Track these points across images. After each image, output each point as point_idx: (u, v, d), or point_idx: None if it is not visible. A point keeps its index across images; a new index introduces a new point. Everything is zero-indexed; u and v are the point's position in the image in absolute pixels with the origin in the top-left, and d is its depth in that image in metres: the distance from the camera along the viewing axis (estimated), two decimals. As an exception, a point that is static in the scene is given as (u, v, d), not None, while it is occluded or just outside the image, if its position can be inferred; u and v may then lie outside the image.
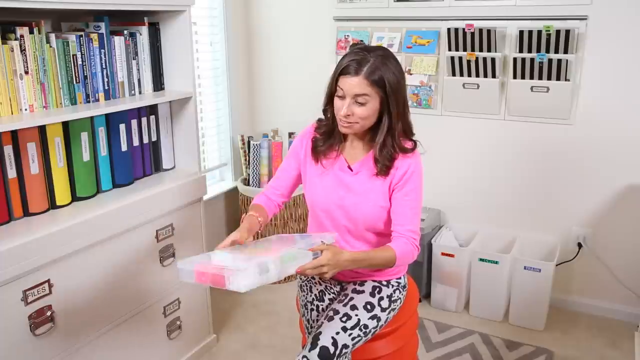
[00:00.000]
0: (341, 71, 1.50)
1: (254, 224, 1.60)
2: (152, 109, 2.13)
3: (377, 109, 1.53)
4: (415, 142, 1.62)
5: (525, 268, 2.54)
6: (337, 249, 1.44)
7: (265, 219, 1.68)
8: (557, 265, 2.60)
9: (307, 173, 1.71)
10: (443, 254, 2.69)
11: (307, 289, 1.75)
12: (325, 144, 1.65)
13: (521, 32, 2.48)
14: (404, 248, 1.54)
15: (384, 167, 1.57)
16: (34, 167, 1.70)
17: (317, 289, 1.73)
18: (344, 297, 1.63)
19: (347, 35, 2.95)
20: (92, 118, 1.87)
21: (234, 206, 3.30)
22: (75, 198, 1.87)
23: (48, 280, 1.65)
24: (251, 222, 1.59)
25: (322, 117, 1.68)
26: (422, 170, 1.62)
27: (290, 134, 3.05)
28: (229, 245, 1.46)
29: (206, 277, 1.30)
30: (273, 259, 1.30)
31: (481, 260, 2.61)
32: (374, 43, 2.87)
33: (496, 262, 2.58)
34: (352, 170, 1.63)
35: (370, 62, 1.48)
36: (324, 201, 1.65)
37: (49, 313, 1.66)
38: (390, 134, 1.56)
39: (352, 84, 1.48)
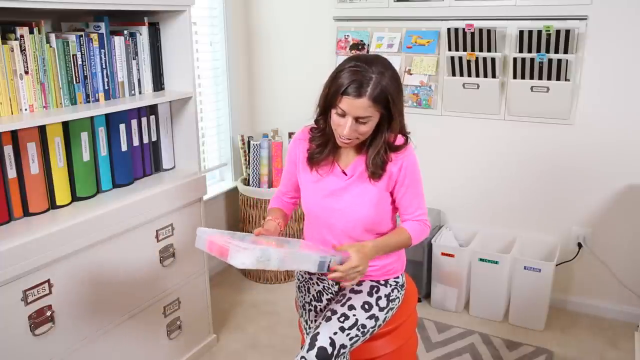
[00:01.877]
0: (343, 91, 1.45)
1: (274, 228, 1.67)
2: (152, 109, 2.13)
3: (376, 122, 1.52)
4: (406, 138, 1.61)
5: (525, 268, 2.54)
6: (358, 246, 1.51)
7: (285, 219, 1.77)
8: (557, 265, 2.60)
9: (302, 180, 1.71)
10: (443, 254, 2.69)
11: (304, 290, 1.75)
12: (322, 154, 1.64)
13: (521, 32, 2.48)
14: (415, 227, 1.62)
15: (374, 173, 1.57)
16: (34, 167, 1.70)
17: (315, 290, 1.73)
18: (341, 297, 1.63)
19: (347, 35, 2.95)
20: (92, 118, 1.87)
21: (234, 206, 3.30)
22: (75, 198, 1.87)
23: (48, 280, 1.65)
24: (270, 225, 1.68)
25: (314, 125, 1.65)
26: (416, 161, 1.61)
27: (290, 134, 3.05)
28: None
29: (215, 247, 1.40)
30: (278, 251, 1.39)
31: (481, 260, 2.61)
32: (373, 43, 2.87)
33: (496, 262, 2.58)
34: (346, 174, 1.63)
35: (373, 80, 1.44)
36: (319, 209, 1.65)
37: (49, 313, 1.66)
38: (384, 143, 1.56)
39: (356, 106, 1.44)
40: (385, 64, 1.49)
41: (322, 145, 1.63)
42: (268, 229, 1.65)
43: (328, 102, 1.51)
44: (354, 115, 1.46)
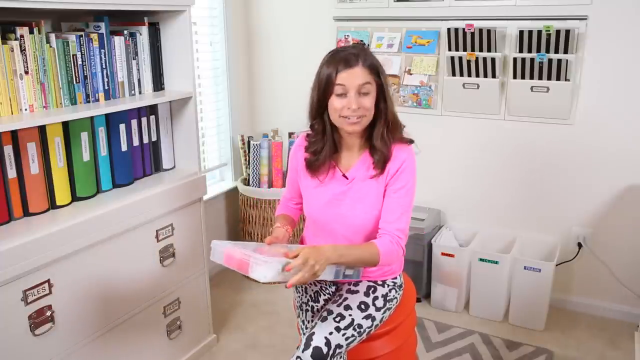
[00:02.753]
0: (337, 70, 1.50)
1: (282, 235, 1.68)
2: (152, 109, 2.14)
3: (375, 97, 1.55)
4: (410, 140, 1.62)
5: (525, 268, 2.54)
6: (315, 245, 1.45)
7: (292, 224, 1.79)
8: (557, 265, 2.60)
9: (303, 185, 1.71)
10: (443, 254, 2.69)
11: (302, 290, 1.75)
12: (319, 160, 1.63)
13: (521, 32, 2.48)
14: (388, 247, 1.52)
15: (381, 159, 1.57)
16: (34, 167, 1.70)
17: (312, 290, 1.73)
18: (338, 298, 1.63)
19: (347, 35, 2.95)
20: (92, 118, 1.87)
21: (234, 206, 3.30)
22: (75, 198, 1.87)
23: (48, 280, 1.65)
24: (279, 233, 1.68)
25: (310, 131, 1.67)
26: (414, 169, 1.60)
27: (290, 134, 3.05)
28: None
29: (233, 261, 1.39)
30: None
31: (481, 260, 2.61)
32: (373, 43, 2.87)
33: (496, 262, 2.58)
34: (347, 178, 1.63)
35: (359, 54, 1.51)
36: (321, 215, 1.65)
37: (49, 313, 1.66)
38: (386, 123, 1.57)
39: (356, 74, 1.49)
40: (361, 47, 1.57)
41: (318, 152, 1.63)
42: (277, 236, 1.66)
43: (322, 95, 1.54)
44: (354, 85, 1.50)
